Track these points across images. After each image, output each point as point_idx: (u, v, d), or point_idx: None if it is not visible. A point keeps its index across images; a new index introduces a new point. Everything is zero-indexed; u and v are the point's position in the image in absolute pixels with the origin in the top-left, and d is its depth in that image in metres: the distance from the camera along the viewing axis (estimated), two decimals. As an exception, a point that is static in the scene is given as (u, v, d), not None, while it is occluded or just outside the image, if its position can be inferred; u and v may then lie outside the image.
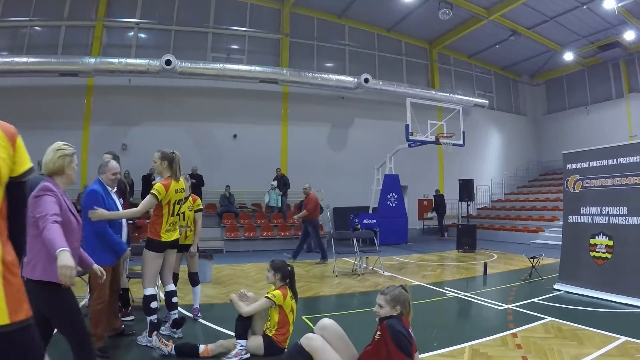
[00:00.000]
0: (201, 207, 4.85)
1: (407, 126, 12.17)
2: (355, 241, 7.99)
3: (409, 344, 2.62)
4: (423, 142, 12.67)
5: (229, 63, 13.13)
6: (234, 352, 3.37)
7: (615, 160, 5.55)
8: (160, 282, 4.05)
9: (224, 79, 12.83)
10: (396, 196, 13.12)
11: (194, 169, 11.75)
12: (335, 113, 15.13)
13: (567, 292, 5.80)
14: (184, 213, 4.35)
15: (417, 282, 6.86)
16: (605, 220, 5.58)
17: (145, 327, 3.75)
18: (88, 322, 3.17)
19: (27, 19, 11.95)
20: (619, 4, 12.30)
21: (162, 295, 4.07)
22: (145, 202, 3.66)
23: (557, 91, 19.30)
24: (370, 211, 13.17)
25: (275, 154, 14.24)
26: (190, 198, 4.62)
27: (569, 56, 16.25)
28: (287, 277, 3.61)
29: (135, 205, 3.77)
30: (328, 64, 15.54)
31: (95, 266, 2.68)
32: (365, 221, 11.58)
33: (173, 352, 3.39)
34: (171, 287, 4.00)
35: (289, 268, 3.66)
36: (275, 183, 12.70)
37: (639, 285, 5.03)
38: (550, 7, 13.67)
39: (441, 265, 8.99)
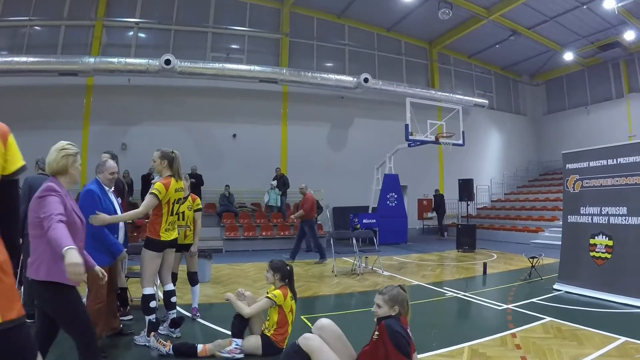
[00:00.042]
0: (200, 206, 4.84)
1: (406, 126, 12.16)
2: (354, 241, 7.98)
3: (407, 344, 2.61)
4: (423, 142, 12.67)
5: (228, 63, 13.11)
6: (227, 349, 3.36)
7: (615, 160, 5.54)
8: (159, 281, 4.04)
9: (224, 78, 12.81)
10: (396, 196, 13.11)
11: (194, 169, 11.75)
12: (335, 113, 15.12)
13: (566, 292, 5.79)
14: (183, 212, 4.33)
15: (416, 282, 6.85)
16: (605, 220, 5.57)
17: (143, 327, 3.74)
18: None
19: (27, 18, 11.94)
20: (619, 4, 12.29)
21: (161, 295, 4.06)
22: (147, 203, 3.64)
23: (557, 91, 19.28)
24: (370, 211, 13.17)
25: (275, 154, 14.24)
26: (189, 197, 4.60)
27: (569, 56, 16.24)
28: (286, 277, 3.60)
29: (135, 205, 3.75)
30: (328, 64, 15.52)
31: (97, 267, 2.67)
32: (364, 221, 11.59)
33: (171, 352, 3.39)
34: (170, 286, 3.99)
35: (288, 268, 3.65)
36: (274, 183, 12.70)
37: (639, 285, 5.02)
38: (550, 7, 13.66)
39: (441, 265, 8.98)
